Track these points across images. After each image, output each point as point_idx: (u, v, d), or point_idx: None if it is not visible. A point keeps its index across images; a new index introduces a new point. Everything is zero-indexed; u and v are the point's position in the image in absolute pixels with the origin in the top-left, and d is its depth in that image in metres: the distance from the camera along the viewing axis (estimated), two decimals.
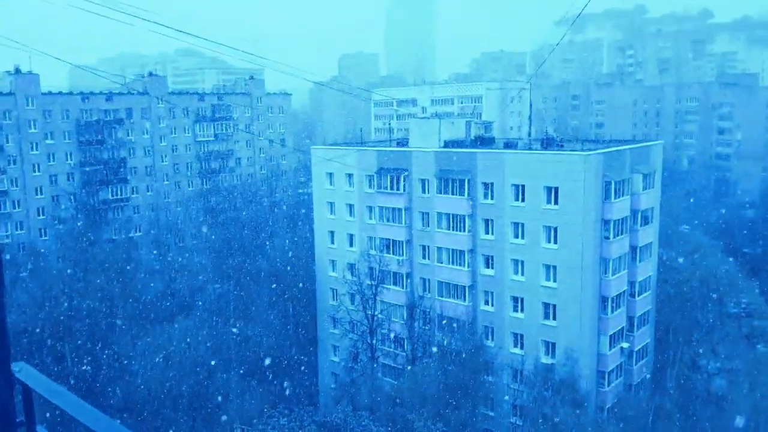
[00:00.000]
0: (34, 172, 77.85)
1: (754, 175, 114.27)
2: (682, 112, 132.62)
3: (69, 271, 63.29)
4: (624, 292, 45.36)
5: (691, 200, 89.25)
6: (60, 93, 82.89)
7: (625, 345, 45.60)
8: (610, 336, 43.93)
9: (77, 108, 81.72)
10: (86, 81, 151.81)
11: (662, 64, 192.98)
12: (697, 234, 72.04)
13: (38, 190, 78.05)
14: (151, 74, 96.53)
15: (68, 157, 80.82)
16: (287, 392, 50.36)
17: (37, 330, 51.30)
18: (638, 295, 46.67)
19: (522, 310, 44.92)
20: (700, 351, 50.62)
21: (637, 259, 46.25)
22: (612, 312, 43.80)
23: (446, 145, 49.37)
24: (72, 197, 79.79)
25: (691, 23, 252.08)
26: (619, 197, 43.28)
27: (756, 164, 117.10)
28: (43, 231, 77.76)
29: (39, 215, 77.82)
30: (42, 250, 73.26)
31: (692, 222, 78.72)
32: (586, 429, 38.48)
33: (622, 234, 44.20)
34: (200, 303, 61.12)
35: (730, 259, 68.08)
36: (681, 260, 59.01)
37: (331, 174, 55.30)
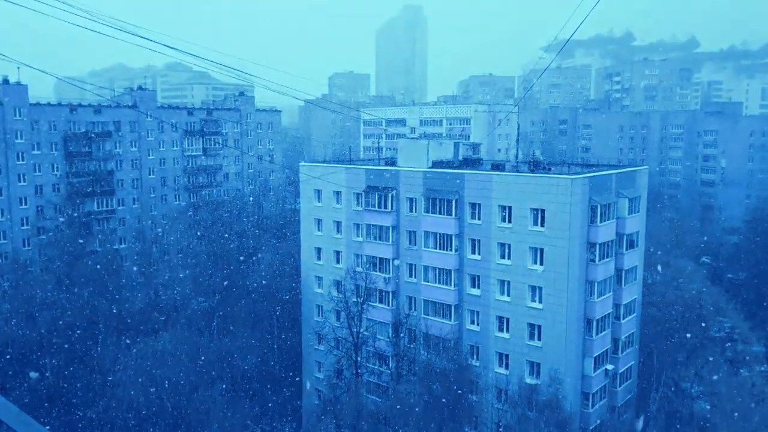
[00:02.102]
0: (20, 182, 77.24)
1: (738, 202, 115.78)
2: (667, 138, 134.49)
3: (52, 282, 62.60)
4: (609, 314, 45.55)
5: (677, 225, 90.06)
6: (48, 104, 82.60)
7: (609, 367, 45.72)
8: (595, 358, 44.05)
9: (65, 120, 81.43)
10: (73, 93, 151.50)
11: (649, 92, 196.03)
12: (682, 259, 72.58)
13: (23, 200, 77.39)
14: (140, 88, 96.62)
15: (54, 168, 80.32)
16: (270, 408, 49.90)
17: (19, 341, 50.55)
18: (623, 318, 46.91)
19: (507, 330, 44.97)
20: (684, 374, 50.79)
21: (623, 282, 46.54)
22: (597, 334, 43.96)
23: (434, 165, 49.66)
24: (57, 208, 79.16)
25: (678, 52, 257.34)
26: (605, 221, 43.64)
27: (740, 191, 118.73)
28: (26, 241, 76.98)
29: (23, 225, 77.09)
30: (25, 261, 72.46)
31: (677, 247, 79.36)
32: None
33: (607, 257, 44.50)
34: (184, 317, 60.58)
35: (714, 284, 68.63)
36: (666, 284, 59.41)
37: (319, 191, 55.38)
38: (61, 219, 78.18)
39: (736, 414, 42.08)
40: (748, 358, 57.19)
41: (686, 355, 52.58)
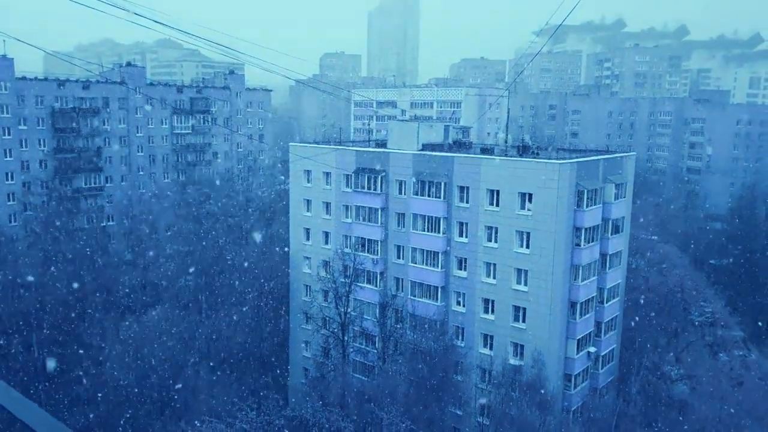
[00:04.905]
0: (6, 157, 76.50)
1: (722, 190, 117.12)
2: (655, 125, 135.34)
3: (39, 258, 62.39)
4: (593, 298, 46.25)
5: (661, 211, 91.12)
6: (35, 79, 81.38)
7: (592, 349, 46.54)
8: (578, 340, 44.79)
9: (52, 95, 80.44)
10: (61, 68, 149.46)
11: (638, 78, 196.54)
12: (665, 244, 73.62)
13: (9, 175, 76.72)
14: (129, 64, 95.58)
15: (41, 143, 79.56)
16: (257, 386, 50.37)
17: (5, 318, 50.52)
18: (607, 302, 47.61)
19: (492, 312, 45.57)
20: (664, 358, 51.80)
21: (607, 266, 47.19)
22: (580, 317, 44.65)
23: (424, 147, 49.83)
24: (44, 184, 78.59)
25: (668, 39, 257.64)
26: (591, 206, 44.14)
27: (724, 179, 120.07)
28: (12, 217, 76.46)
29: (9, 201, 76.50)
30: (11, 237, 72.10)
31: (661, 233, 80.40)
32: (551, 430, 39.21)
33: (593, 242, 45.08)
34: (172, 295, 60.72)
35: (697, 269, 69.75)
36: (649, 269, 60.35)
37: (308, 172, 55.43)
38: (48, 195, 77.65)
39: (714, 397, 43.12)
40: (727, 342, 58.36)
41: (667, 339, 53.62)
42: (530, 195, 42.89)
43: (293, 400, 53.34)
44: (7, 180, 76.55)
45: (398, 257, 50.44)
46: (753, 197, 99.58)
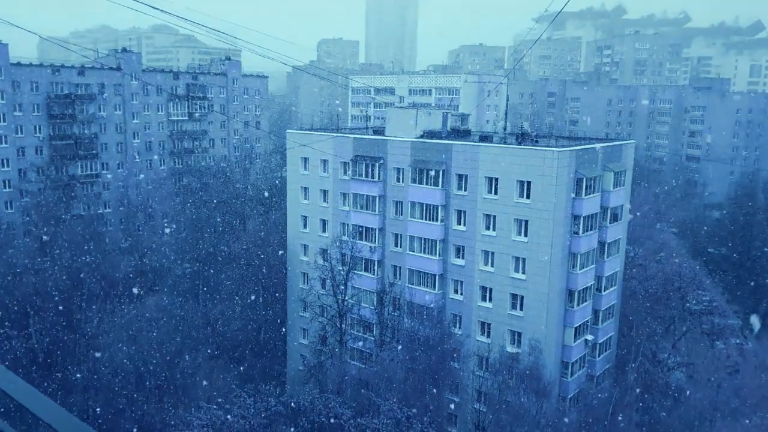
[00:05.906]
0: (1, 143, 76.10)
1: (722, 178, 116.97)
2: (655, 113, 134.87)
3: (35, 245, 62.19)
4: (591, 286, 46.19)
5: (660, 200, 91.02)
6: (30, 64, 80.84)
7: (589, 337, 46.56)
8: (575, 328, 44.80)
9: (47, 81, 79.90)
10: (56, 54, 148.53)
11: (638, 66, 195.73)
12: (664, 233, 73.53)
13: (4, 162, 76.37)
14: (125, 50, 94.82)
15: (37, 130, 79.09)
16: (255, 373, 50.40)
17: (1, 304, 50.37)
18: (604, 290, 47.58)
19: (490, 300, 45.53)
20: (662, 345, 51.87)
21: (605, 254, 47.12)
22: (578, 305, 44.63)
23: (422, 135, 49.51)
24: (40, 171, 78.23)
25: (669, 27, 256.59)
26: (590, 194, 43.98)
27: (723, 167, 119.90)
28: (9, 204, 76.19)
29: (5, 188, 76.20)
30: (7, 224, 71.85)
31: (660, 221, 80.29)
32: (547, 417, 39.29)
33: (591, 230, 44.96)
34: (169, 282, 60.62)
35: (695, 258, 69.76)
36: (647, 257, 60.31)
37: (306, 159, 55.08)
38: (45, 182, 77.30)
39: (710, 385, 43.21)
40: (724, 330, 58.44)
41: (665, 327, 53.63)
42: (529, 183, 42.69)
43: (291, 386, 53.41)
44: (3, 167, 76.24)
45: (396, 245, 50.29)
46: (752, 186, 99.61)
